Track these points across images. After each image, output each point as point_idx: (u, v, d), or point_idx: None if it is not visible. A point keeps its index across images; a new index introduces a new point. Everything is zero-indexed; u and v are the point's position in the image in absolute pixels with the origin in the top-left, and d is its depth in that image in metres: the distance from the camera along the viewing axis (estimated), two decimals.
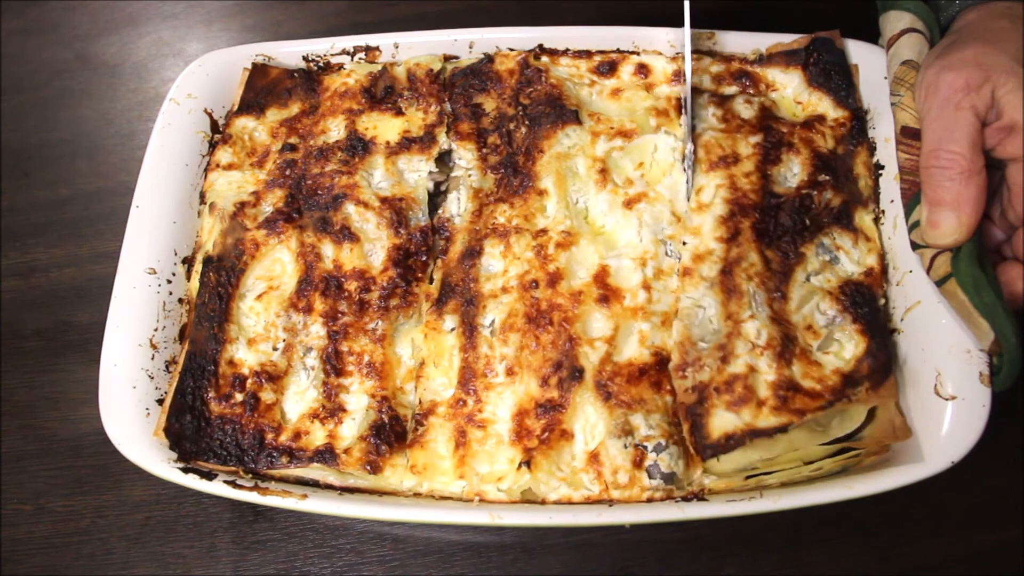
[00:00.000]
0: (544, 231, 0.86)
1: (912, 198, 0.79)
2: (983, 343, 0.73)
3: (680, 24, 0.89)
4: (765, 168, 0.87)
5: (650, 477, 0.75)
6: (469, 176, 0.92)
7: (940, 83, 0.74)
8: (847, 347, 0.79)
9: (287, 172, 0.93)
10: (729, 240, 0.83)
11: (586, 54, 0.97)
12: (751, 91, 0.93)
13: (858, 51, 0.93)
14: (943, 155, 0.72)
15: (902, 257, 0.82)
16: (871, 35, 0.92)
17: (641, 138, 0.90)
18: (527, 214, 0.88)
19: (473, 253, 0.86)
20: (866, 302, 0.81)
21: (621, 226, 0.86)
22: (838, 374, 0.77)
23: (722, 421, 0.75)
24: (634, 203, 0.87)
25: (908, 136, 0.81)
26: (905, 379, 0.78)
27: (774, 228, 0.84)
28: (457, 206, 0.91)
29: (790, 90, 0.93)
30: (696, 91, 0.92)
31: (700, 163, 0.88)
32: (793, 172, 0.87)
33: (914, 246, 0.79)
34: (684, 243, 0.85)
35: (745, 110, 0.90)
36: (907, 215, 0.80)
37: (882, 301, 0.82)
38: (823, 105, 0.92)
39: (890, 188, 0.85)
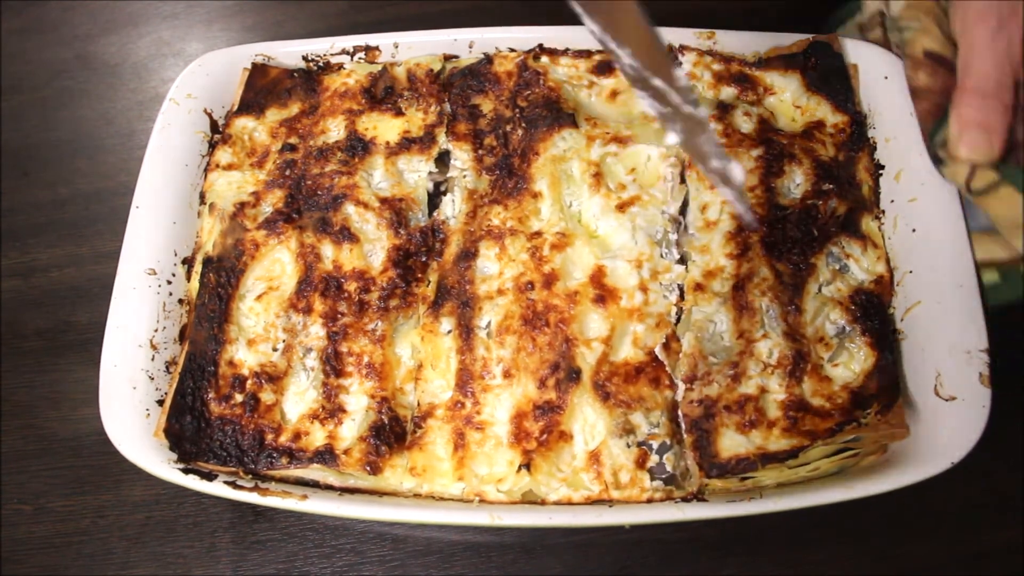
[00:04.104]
0: (539, 233, 0.86)
1: (938, 120, 0.80)
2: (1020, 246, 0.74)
3: (680, 24, 0.88)
4: (769, 181, 0.86)
5: (652, 478, 0.75)
6: (464, 177, 0.92)
7: (974, 5, 0.76)
8: (857, 358, 0.79)
9: (287, 172, 0.93)
10: (739, 256, 0.83)
11: (586, 54, 0.97)
12: (750, 95, 0.93)
13: (857, 51, 0.92)
14: (979, 75, 0.74)
15: (902, 257, 0.82)
16: None
17: (635, 146, 0.90)
18: (521, 216, 0.88)
19: (468, 255, 0.86)
20: (876, 313, 0.80)
21: (614, 229, 0.86)
22: (847, 391, 0.77)
23: (732, 442, 0.75)
24: (627, 206, 0.86)
25: (932, 59, 0.81)
26: (905, 379, 0.78)
27: (783, 240, 0.83)
28: (452, 207, 0.91)
29: (789, 94, 0.93)
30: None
31: (703, 181, 0.88)
32: (796, 183, 0.87)
33: (936, 162, 0.80)
34: (694, 260, 0.84)
35: (745, 124, 0.90)
36: (931, 136, 0.81)
37: (891, 310, 0.81)
38: (822, 110, 0.91)
39: (890, 188, 0.85)
